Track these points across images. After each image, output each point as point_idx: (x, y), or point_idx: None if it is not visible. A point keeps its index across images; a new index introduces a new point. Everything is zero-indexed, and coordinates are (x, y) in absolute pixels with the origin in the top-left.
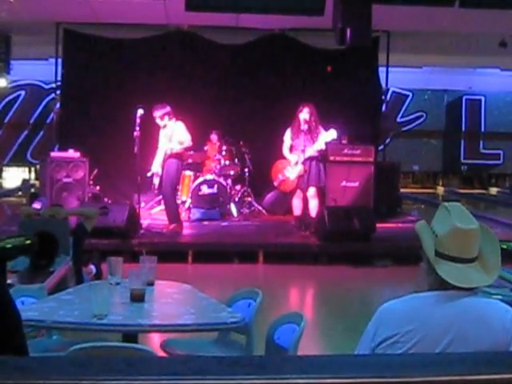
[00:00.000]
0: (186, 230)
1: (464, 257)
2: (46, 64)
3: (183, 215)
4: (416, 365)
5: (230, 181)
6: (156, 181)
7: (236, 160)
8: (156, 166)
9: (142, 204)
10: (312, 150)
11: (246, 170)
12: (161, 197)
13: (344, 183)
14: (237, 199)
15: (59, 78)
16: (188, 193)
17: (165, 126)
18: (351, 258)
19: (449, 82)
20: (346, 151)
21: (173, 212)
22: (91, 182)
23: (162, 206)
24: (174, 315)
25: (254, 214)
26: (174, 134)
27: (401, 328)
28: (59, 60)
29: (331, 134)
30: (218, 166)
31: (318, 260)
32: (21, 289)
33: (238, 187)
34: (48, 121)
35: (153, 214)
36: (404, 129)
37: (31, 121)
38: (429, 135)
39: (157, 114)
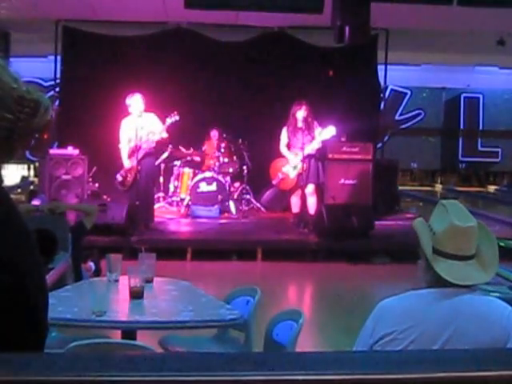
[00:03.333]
0: (185, 228)
1: (462, 254)
2: (45, 61)
3: (182, 211)
4: (414, 362)
5: (228, 178)
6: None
7: (235, 157)
8: (127, 161)
9: None
10: (310, 148)
11: (245, 167)
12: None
13: (342, 181)
14: (235, 197)
15: (58, 76)
16: (187, 190)
17: (136, 116)
18: (349, 255)
19: (447, 80)
20: (344, 149)
21: (151, 209)
22: (90, 180)
23: (162, 203)
24: (173, 312)
25: (252, 212)
26: (154, 125)
27: (399, 325)
28: (58, 57)
29: (330, 131)
30: (217, 164)
31: (317, 257)
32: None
33: (236, 185)
34: None
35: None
36: (402, 126)
37: None
38: (427, 133)
39: (143, 101)
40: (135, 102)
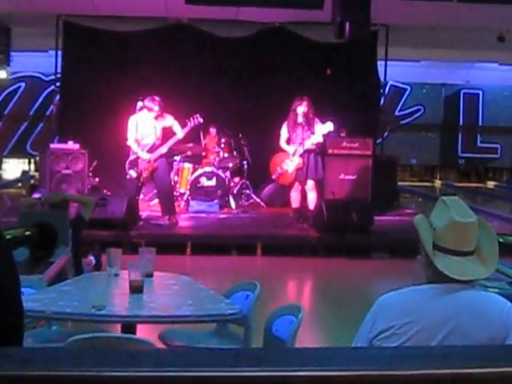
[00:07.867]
0: (185, 222)
1: (462, 250)
2: (46, 56)
3: (182, 206)
4: (413, 358)
5: (228, 173)
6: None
7: (235, 152)
8: (147, 155)
9: (141, 196)
10: (310, 143)
11: (245, 162)
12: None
13: (342, 176)
14: (235, 191)
15: (59, 70)
16: (187, 185)
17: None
18: (349, 250)
19: (447, 76)
20: (344, 144)
21: (172, 203)
22: (90, 174)
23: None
24: (173, 306)
25: (252, 207)
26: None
27: (398, 320)
28: (59, 52)
29: (328, 127)
30: (217, 159)
31: (316, 252)
32: (20, 279)
33: (236, 179)
34: (48, 113)
35: (151, 206)
36: (402, 122)
37: (31, 112)
38: (427, 129)
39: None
40: (159, 106)
